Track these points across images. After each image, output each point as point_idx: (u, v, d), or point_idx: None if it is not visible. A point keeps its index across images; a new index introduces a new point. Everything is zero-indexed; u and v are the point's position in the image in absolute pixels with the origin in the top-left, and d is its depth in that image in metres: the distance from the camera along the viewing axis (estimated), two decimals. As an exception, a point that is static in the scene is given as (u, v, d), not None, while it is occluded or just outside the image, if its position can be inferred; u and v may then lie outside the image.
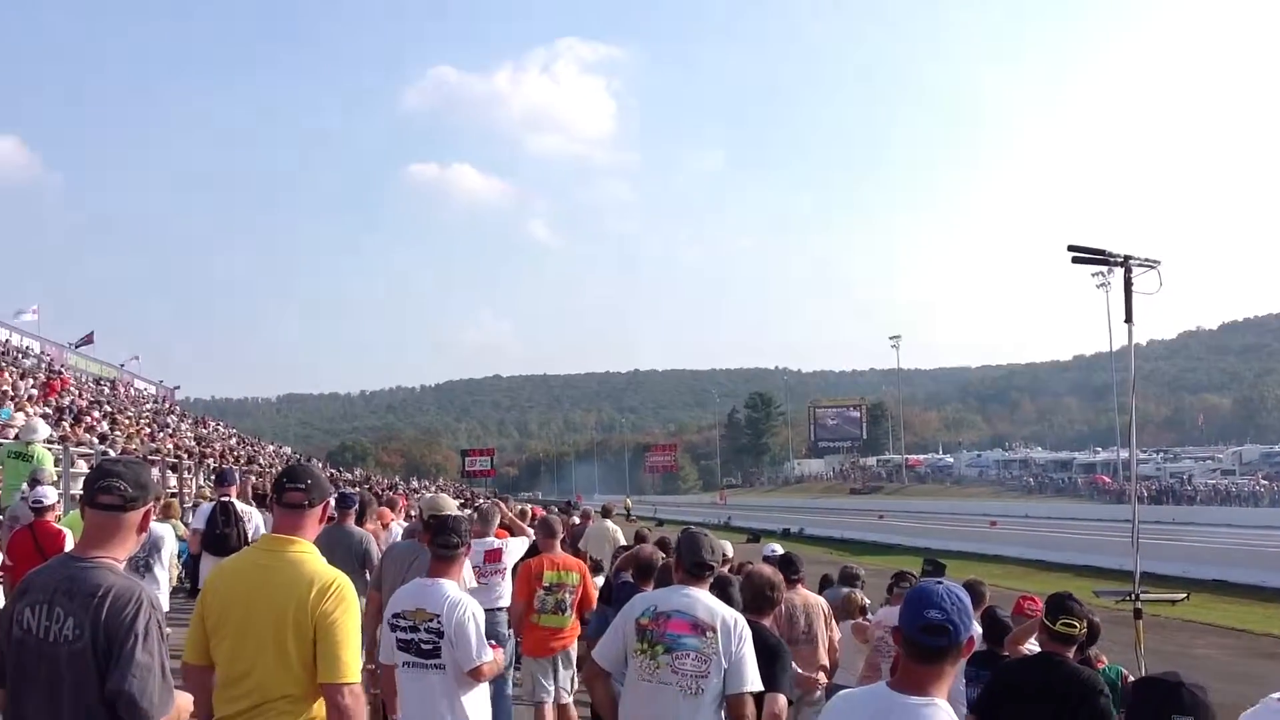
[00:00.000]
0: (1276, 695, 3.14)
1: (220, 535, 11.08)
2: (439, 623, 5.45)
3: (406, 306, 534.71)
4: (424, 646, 5.47)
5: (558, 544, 9.34)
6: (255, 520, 11.64)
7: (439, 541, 5.83)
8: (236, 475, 14.74)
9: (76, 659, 3.28)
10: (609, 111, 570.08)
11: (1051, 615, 5.77)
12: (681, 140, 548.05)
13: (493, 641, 5.79)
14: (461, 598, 5.58)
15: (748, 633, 5.04)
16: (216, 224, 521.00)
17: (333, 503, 4.40)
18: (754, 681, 4.93)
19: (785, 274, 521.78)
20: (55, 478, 12.80)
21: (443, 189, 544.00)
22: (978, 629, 3.26)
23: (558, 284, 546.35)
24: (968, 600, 3.16)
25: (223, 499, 11.66)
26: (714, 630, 4.92)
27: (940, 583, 3.27)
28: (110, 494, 3.48)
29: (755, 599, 6.15)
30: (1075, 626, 5.67)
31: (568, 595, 9.09)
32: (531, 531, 10.50)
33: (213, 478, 18.67)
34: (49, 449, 14.23)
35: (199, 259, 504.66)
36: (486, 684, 5.67)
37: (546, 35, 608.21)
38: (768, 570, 6.67)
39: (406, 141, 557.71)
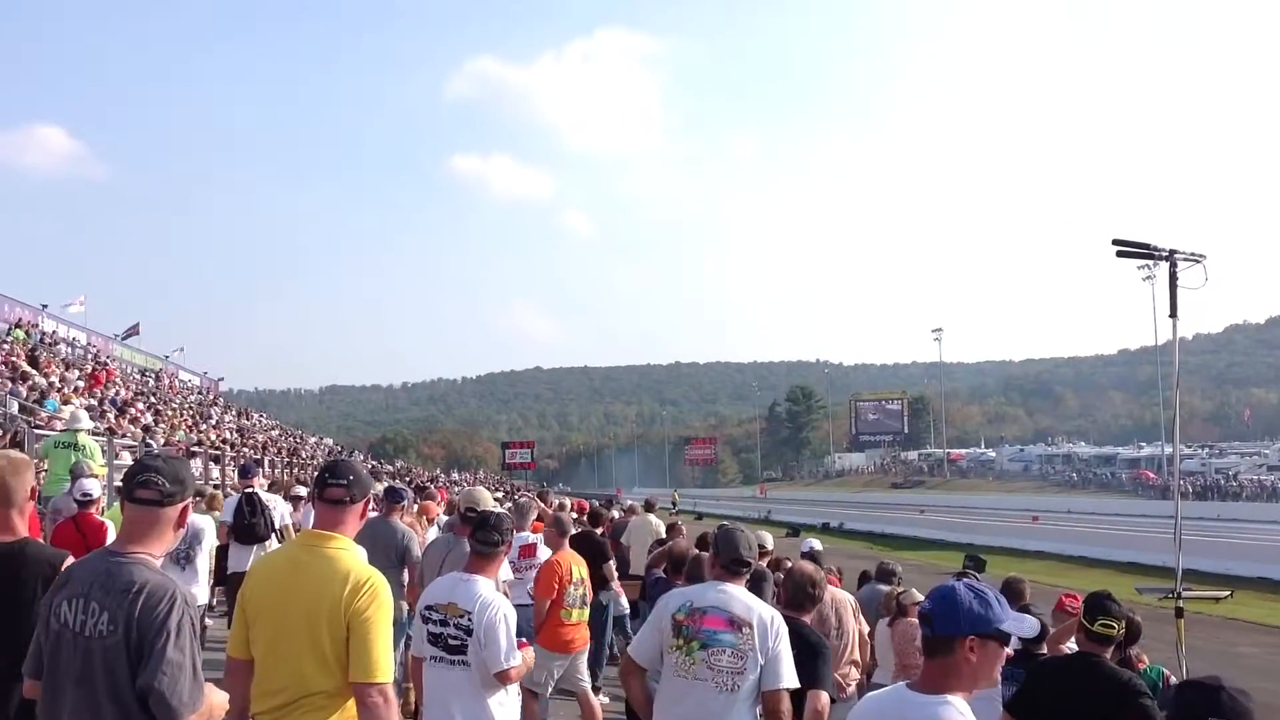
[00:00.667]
0: None
1: (248, 525, 11.61)
2: (469, 620, 5.43)
3: (447, 298, 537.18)
4: (451, 642, 5.45)
5: (567, 542, 9.31)
6: (280, 508, 12.13)
7: (479, 538, 5.81)
8: (258, 468, 15.06)
9: (110, 653, 3.30)
10: (647, 102, 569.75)
11: (1089, 615, 5.73)
12: (718, 126, 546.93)
13: (523, 640, 5.77)
14: (495, 598, 5.54)
15: (784, 629, 5.04)
16: (259, 217, 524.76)
17: (376, 497, 4.41)
18: (790, 679, 4.93)
19: (827, 265, 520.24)
20: (103, 469, 12.96)
21: (482, 180, 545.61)
22: (1025, 626, 3.21)
23: (597, 276, 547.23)
24: (969, 596, 3.12)
25: (247, 490, 12.16)
26: (750, 626, 4.93)
27: (961, 576, 3.27)
28: (148, 489, 3.49)
29: (796, 595, 6.14)
30: (1113, 627, 5.62)
31: (586, 590, 9.14)
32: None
33: (236, 471, 19.08)
34: (95, 440, 14.39)
35: (245, 251, 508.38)
36: (514, 687, 5.59)
37: (586, 25, 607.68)
38: (809, 567, 6.64)
39: (446, 133, 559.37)
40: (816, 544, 12.25)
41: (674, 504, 72.63)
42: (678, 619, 5.03)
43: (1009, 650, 7.49)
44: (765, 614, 5.03)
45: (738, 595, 5.07)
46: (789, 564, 12.54)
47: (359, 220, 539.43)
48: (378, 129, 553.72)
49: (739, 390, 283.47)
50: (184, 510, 3.58)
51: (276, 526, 11.98)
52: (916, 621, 9.18)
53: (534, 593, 8.92)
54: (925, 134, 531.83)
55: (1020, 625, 3.12)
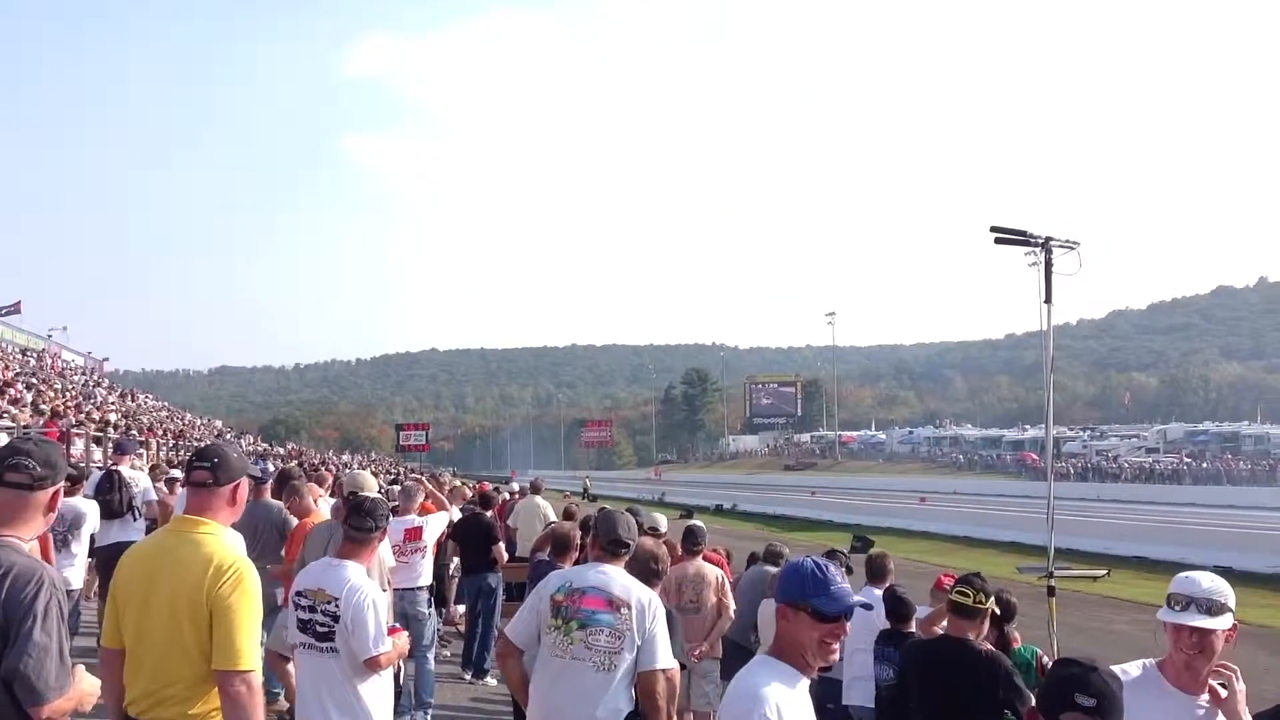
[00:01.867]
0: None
1: (104, 501, 11.39)
2: (336, 606, 5.32)
3: (342, 278, 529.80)
4: (319, 629, 5.35)
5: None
6: (143, 485, 12.20)
7: (351, 523, 5.73)
8: (136, 446, 14.81)
9: None
10: (533, 76, 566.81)
11: (952, 588, 5.92)
12: (616, 112, 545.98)
13: (396, 625, 5.71)
14: (363, 584, 5.40)
15: (661, 611, 5.13)
16: (149, 191, 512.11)
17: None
18: (666, 659, 5.00)
19: (723, 249, 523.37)
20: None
21: (375, 156, 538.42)
22: (838, 604, 3.31)
23: (495, 257, 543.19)
24: (791, 569, 3.30)
25: (112, 467, 12.14)
26: (629, 607, 4.99)
27: (831, 553, 3.36)
28: (18, 472, 3.45)
29: (640, 572, 6.24)
30: (968, 595, 5.79)
31: None
32: (452, 507, 10.49)
33: (112, 447, 18.76)
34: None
35: (132, 226, 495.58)
36: (387, 673, 5.48)
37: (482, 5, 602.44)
38: (649, 543, 6.73)
39: (340, 111, 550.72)
40: (699, 524, 12.31)
41: (585, 489, 72.70)
42: (556, 599, 5.07)
43: (868, 628, 7.68)
44: (644, 595, 5.10)
45: (617, 577, 5.14)
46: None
47: (251, 198, 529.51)
48: (268, 106, 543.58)
49: (635, 373, 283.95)
50: (55, 494, 3.53)
51: (136, 505, 11.89)
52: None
53: None
54: (818, 119, 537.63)
55: (834, 603, 3.19)
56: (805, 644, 3.18)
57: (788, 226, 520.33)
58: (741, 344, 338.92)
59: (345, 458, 74.55)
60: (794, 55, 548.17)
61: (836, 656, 3.26)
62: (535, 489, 17.22)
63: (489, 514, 13.71)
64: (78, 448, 21.80)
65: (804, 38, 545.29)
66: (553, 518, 15.08)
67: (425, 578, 9.92)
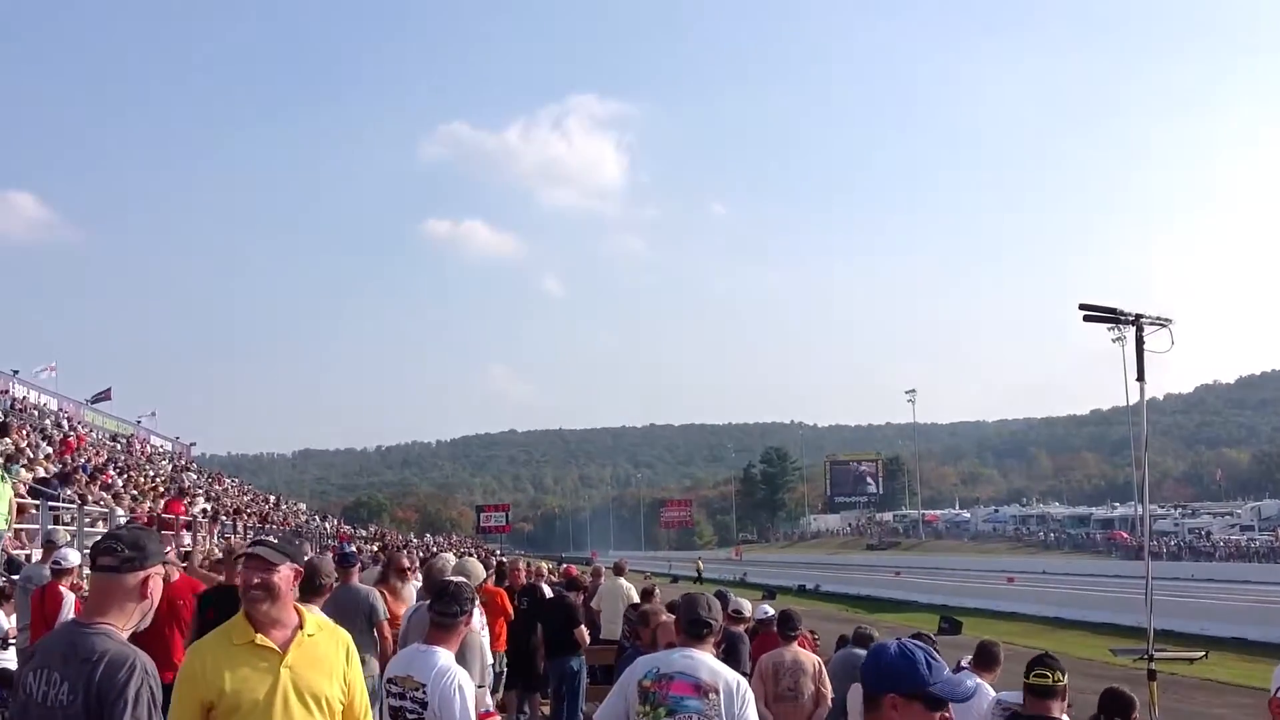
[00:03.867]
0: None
1: None
2: (424, 693, 5.28)
3: (422, 362, 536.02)
4: (409, 715, 5.32)
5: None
6: None
7: (437, 608, 5.69)
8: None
9: None
10: (619, 166, 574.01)
11: (1027, 670, 5.90)
12: (691, 191, 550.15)
13: (491, 710, 5.66)
14: (451, 667, 5.36)
15: (750, 695, 5.07)
16: (232, 279, 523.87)
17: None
18: None
19: (801, 327, 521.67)
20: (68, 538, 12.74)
21: (456, 245, 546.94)
22: (960, 689, 3.24)
23: (571, 339, 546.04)
24: (895, 655, 3.16)
25: None
26: (716, 692, 4.94)
27: (918, 636, 3.31)
28: (108, 555, 3.50)
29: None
30: (1047, 677, 5.76)
31: None
32: None
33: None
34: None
35: (218, 313, 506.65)
36: None
37: (558, 92, 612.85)
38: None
39: (419, 198, 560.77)
40: (769, 609, 12.19)
41: (699, 573, 72.11)
42: (644, 685, 5.03)
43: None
44: (731, 679, 5.04)
45: (704, 660, 5.09)
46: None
47: (332, 285, 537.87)
48: (349, 194, 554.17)
49: (714, 452, 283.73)
50: (146, 580, 3.55)
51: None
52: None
53: None
54: (897, 193, 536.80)
55: (954, 688, 3.13)
56: None
57: (866, 303, 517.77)
58: (821, 422, 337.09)
59: (428, 539, 74.88)
60: (878, 127, 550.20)
61: None
62: (619, 570, 17.13)
63: (572, 595, 13.66)
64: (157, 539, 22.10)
65: (887, 108, 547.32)
66: (635, 599, 15.02)
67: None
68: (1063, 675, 5.77)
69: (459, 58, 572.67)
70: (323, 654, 4.13)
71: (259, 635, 4.02)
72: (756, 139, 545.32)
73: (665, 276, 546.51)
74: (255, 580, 4.06)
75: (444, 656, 5.41)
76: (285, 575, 4.12)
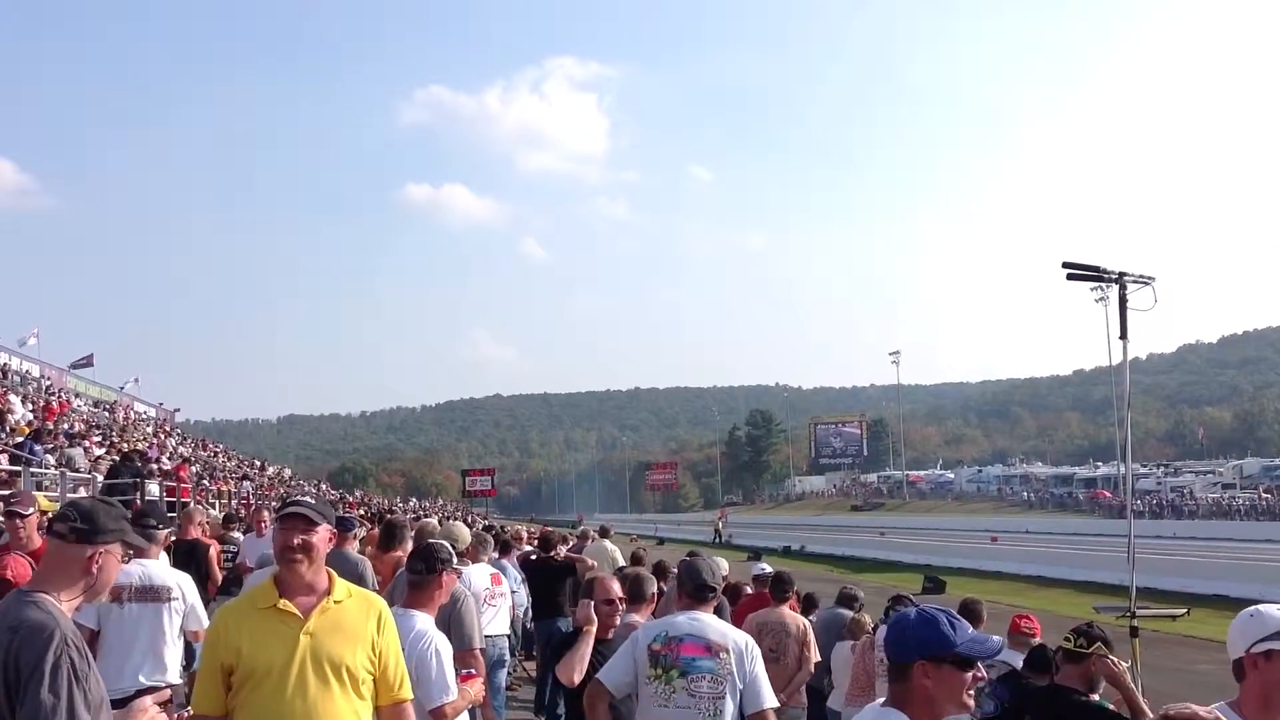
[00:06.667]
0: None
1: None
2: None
3: (405, 327, 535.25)
4: None
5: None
6: None
7: (410, 566, 5.55)
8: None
9: None
10: (600, 129, 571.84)
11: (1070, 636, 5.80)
12: (673, 154, 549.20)
13: (469, 673, 5.51)
14: (427, 631, 5.13)
15: (759, 653, 5.21)
16: (212, 245, 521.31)
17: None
18: (770, 699, 5.09)
19: (784, 290, 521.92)
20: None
21: (437, 209, 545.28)
22: (988, 646, 3.24)
23: (554, 302, 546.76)
24: (918, 621, 3.16)
25: None
26: (727, 651, 5.06)
27: (898, 600, 3.34)
28: (61, 522, 3.41)
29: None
30: (1070, 641, 5.72)
31: None
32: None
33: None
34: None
35: (197, 280, 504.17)
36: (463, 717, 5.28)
37: (536, 54, 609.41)
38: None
39: (400, 162, 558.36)
40: (767, 567, 12.24)
41: (718, 533, 71.54)
42: (654, 648, 5.10)
43: (985, 673, 7.55)
44: (740, 639, 5.19)
45: (710, 622, 5.21)
46: (746, 588, 12.63)
47: (313, 251, 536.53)
48: (330, 159, 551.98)
49: (699, 415, 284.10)
50: (93, 555, 3.40)
51: None
52: (875, 645, 9.31)
53: None
54: (879, 156, 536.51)
55: (982, 645, 3.13)
56: (952, 696, 3.09)
57: (850, 265, 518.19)
58: (805, 384, 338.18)
59: (414, 504, 74.94)
60: (860, 90, 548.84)
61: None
62: (604, 533, 17.19)
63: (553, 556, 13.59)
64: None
65: (869, 70, 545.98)
66: (621, 561, 15.06)
67: (503, 624, 9.90)
68: (1089, 645, 5.64)
69: (438, 20, 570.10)
70: (349, 622, 4.00)
71: (282, 600, 3.95)
72: (736, 101, 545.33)
73: (647, 239, 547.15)
74: (296, 540, 3.97)
75: (420, 620, 5.24)
76: (324, 536, 4.05)
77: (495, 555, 10.63)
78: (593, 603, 6.03)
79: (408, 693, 4.18)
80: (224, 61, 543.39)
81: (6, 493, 12.92)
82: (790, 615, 9.36)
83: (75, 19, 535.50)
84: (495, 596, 9.81)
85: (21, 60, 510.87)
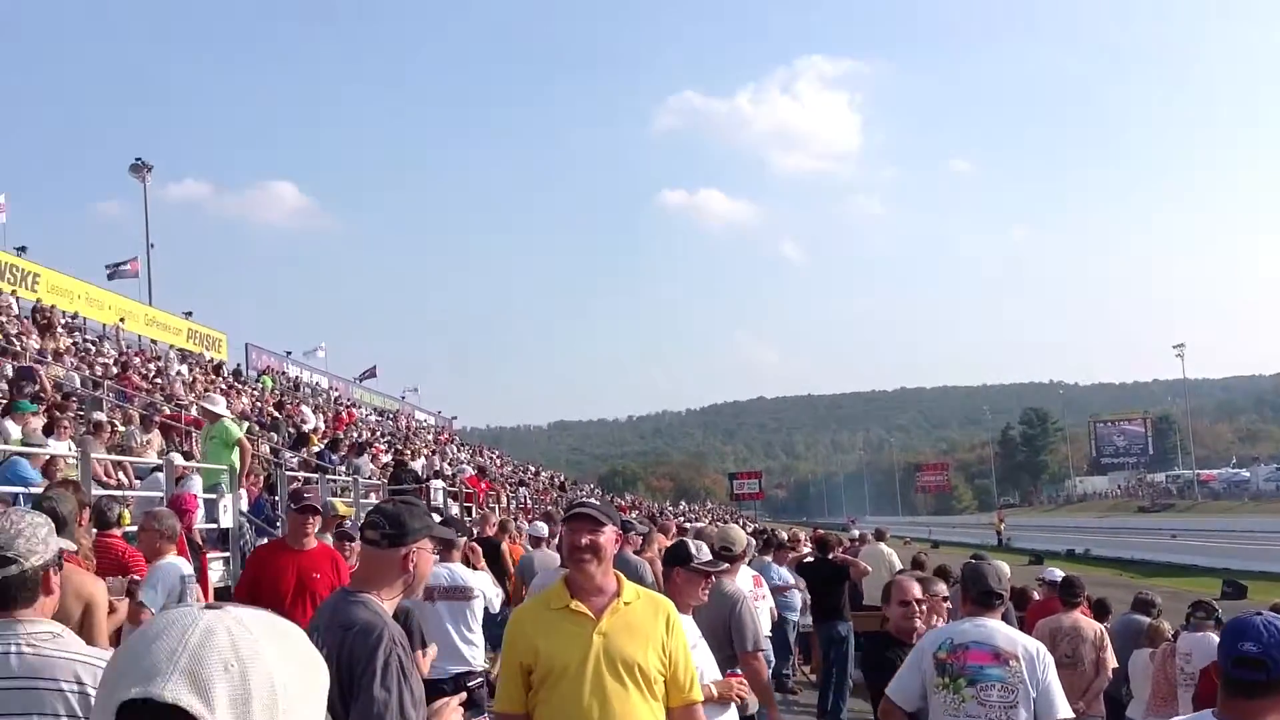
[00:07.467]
0: None
1: None
2: None
3: (667, 331, 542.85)
4: None
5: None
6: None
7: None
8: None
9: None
10: (853, 126, 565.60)
11: None
12: (932, 149, 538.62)
13: (731, 671, 5.45)
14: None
15: (1050, 660, 5.02)
16: (481, 260, 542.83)
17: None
18: (1065, 708, 4.92)
19: (1057, 283, 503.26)
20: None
21: (694, 213, 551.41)
22: None
23: (815, 303, 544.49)
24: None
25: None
26: (1016, 659, 4.89)
27: (1260, 613, 2.99)
28: (371, 529, 3.64)
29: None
30: None
31: None
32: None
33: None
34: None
35: (468, 294, 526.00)
36: None
37: (786, 55, 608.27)
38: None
39: (654, 168, 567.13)
40: (1057, 572, 11.74)
41: (999, 535, 68.95)
42: (939, 657, 4.97)
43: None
44: (1030, 645, 5.00)
45: (998, 628, 5.05)
46: (1034, 594, 12.12)
47: (576, 260, 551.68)
48: (586, 167, 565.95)
49: (969, 414, 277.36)
50: (407, 554, 3.63)
51: None
52: (1176, 653, 8.75)
53: None
54: (1162, 141, 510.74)
55: None
56: None
57: (1128, 256, 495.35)
58: (1081, 380, 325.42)
59: (682, 507, 75.75)
60: (1135, 81, 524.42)
61: None
62: (879, 536, 16.91)
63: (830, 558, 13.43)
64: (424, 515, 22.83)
65: (1143, 62, 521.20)
66: (898, 565, 14.71)
67: (764, 627, 9.71)
68: None
69: (688, 26, 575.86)
70: (639, 622, 4.03)
71: (574, 601, 4.00)
72: (994, 92, 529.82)
73: (907, 236, 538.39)
74: (584, 541, 4.01)
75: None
76: (610, 537, 4.09)
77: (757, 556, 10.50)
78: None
79: (698, 694, 4.19)
80: (480, 85, 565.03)
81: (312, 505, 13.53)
82: (1084, 620, 9.11)
83: (351, 55, 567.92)
84: (757, 599, 9.73)
85: (305, 89, 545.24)
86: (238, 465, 12.16)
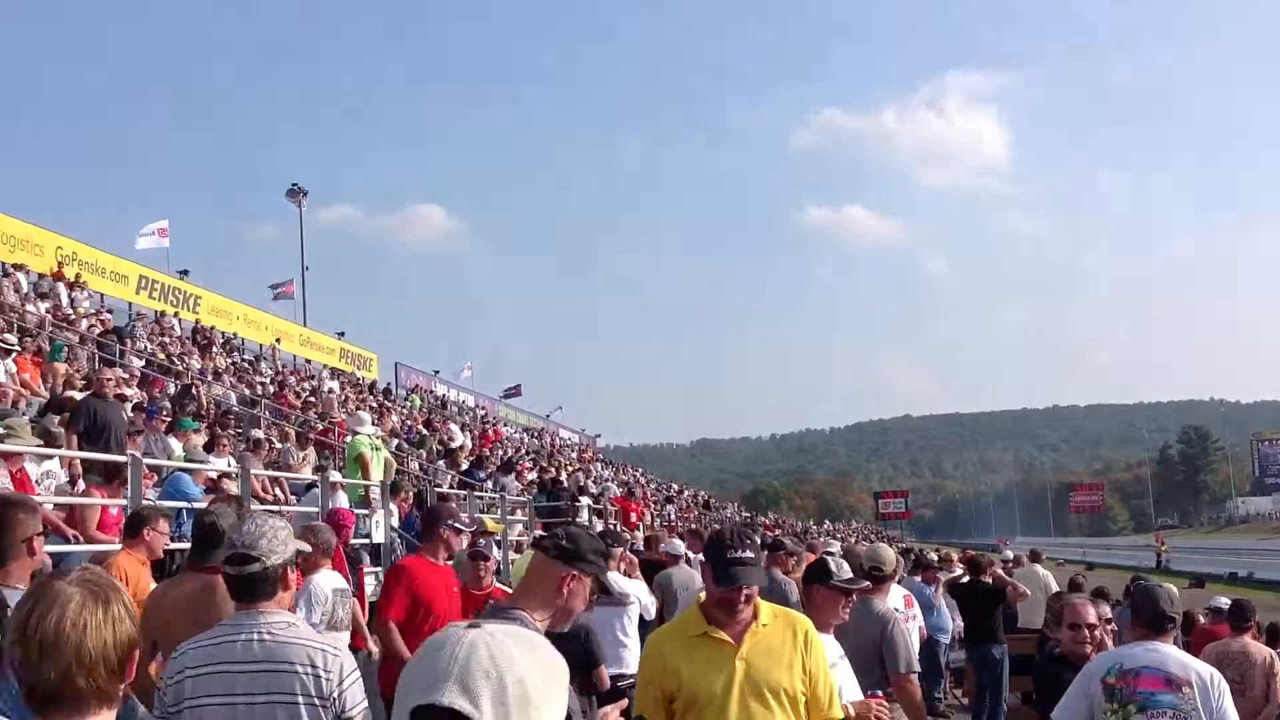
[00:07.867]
0: None
1: None
2: None
3: (811, 348, 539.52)
4: None
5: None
6: None
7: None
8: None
9: None
10: (1000, 140, 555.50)
11: None
12: (1080, 162, 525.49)
13: (873, 691, 5.25)
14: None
15: (1225, 687, 4.74)
16: (624, 279, 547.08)
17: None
18: None
19: (1212, 298, 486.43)
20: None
21: (838, 230, 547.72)
22: None
23: (963, 320, 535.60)
24: None
25: None
26: (1190, 685, 4.64)
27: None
28: (549, 538, 3.59)
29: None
30: None
31: None
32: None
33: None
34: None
35: (611, 314, 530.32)
36: None
37: (931, 70, 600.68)
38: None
39: (796, 186, 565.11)
40: (1224, 600, 11.21)
41: (1159, 557, 65.88)
42: (1108, 682, 4.75)
43: None
44: (1204, 671, 4.74)
45: (1171, 653, 4.79)
46: (1199, 618, 11.65)
47: (718, 278, 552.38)
48: (730, 187, 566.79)
49: (1124, 433, 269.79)
50: (565, 578, 3.48)
51: None
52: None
53: None
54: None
55: None
56: None
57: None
58: (1243, 398, 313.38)
59: (825, 525, 75.00)
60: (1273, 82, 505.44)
61: None
62: (1035, 557, 16.50)
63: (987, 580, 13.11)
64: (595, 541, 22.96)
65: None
66: (1055, 587, 14.27)
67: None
68: None
69: (823, 45, 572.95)
70: (777, 644, 3.95)
71: (711, 627, 3.94)
72: (1142, 104, 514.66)
73: (1057, 251, 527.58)
74: (744, 596, 3.96)
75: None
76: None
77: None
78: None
79: (838, 712, 4.09)
80: (619, 103, 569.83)
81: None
82: (1254, 645, 8.70)
83: (483, 81, 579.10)
84: (908, 619, 9.57)
85: (447, 113, 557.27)
86: (375, 479, 12.53)
